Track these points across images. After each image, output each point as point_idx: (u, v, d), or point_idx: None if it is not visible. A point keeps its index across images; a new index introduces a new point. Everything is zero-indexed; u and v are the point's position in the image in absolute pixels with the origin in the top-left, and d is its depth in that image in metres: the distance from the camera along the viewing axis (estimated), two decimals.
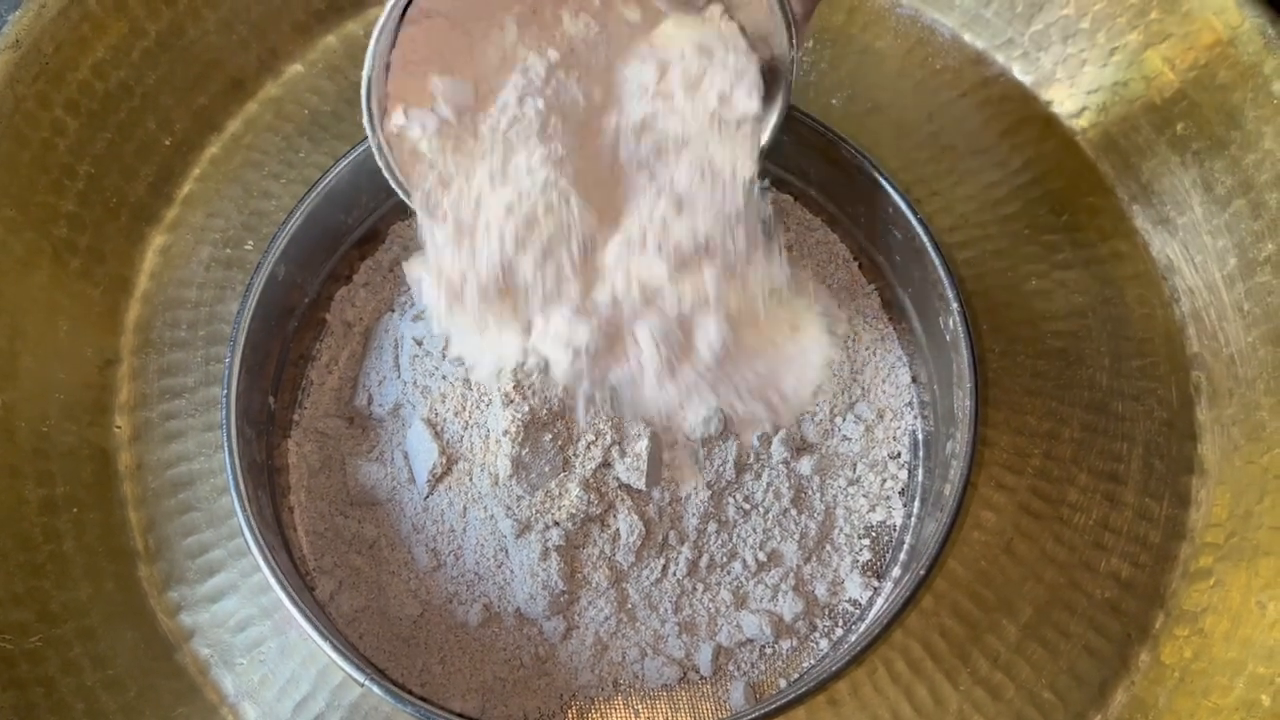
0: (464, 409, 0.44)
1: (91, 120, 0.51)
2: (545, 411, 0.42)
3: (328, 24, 0.56)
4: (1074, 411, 0.48)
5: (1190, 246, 0.50)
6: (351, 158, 0.47)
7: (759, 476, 0.45)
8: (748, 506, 0.45)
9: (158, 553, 0.47)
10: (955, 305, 0.44)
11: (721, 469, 0.44)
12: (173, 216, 0.53)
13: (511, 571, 0.43)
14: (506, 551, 0.43)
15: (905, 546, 0.46)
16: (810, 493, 0.46)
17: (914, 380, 0.49)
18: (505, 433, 0.42)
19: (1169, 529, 0.46)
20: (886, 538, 0.47)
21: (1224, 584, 0.44)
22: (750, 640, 0.45)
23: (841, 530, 0.46)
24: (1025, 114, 0.54)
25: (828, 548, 0.46)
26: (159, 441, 0.49)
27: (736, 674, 0.44)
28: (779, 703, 0.40)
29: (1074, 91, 0.53)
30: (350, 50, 0.56)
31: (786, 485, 0.45)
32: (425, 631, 0.44)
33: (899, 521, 0.47)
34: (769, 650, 0.45)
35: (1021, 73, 0.54)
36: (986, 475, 0.47)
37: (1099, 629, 0.45)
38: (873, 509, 0.47)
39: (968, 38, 0.55)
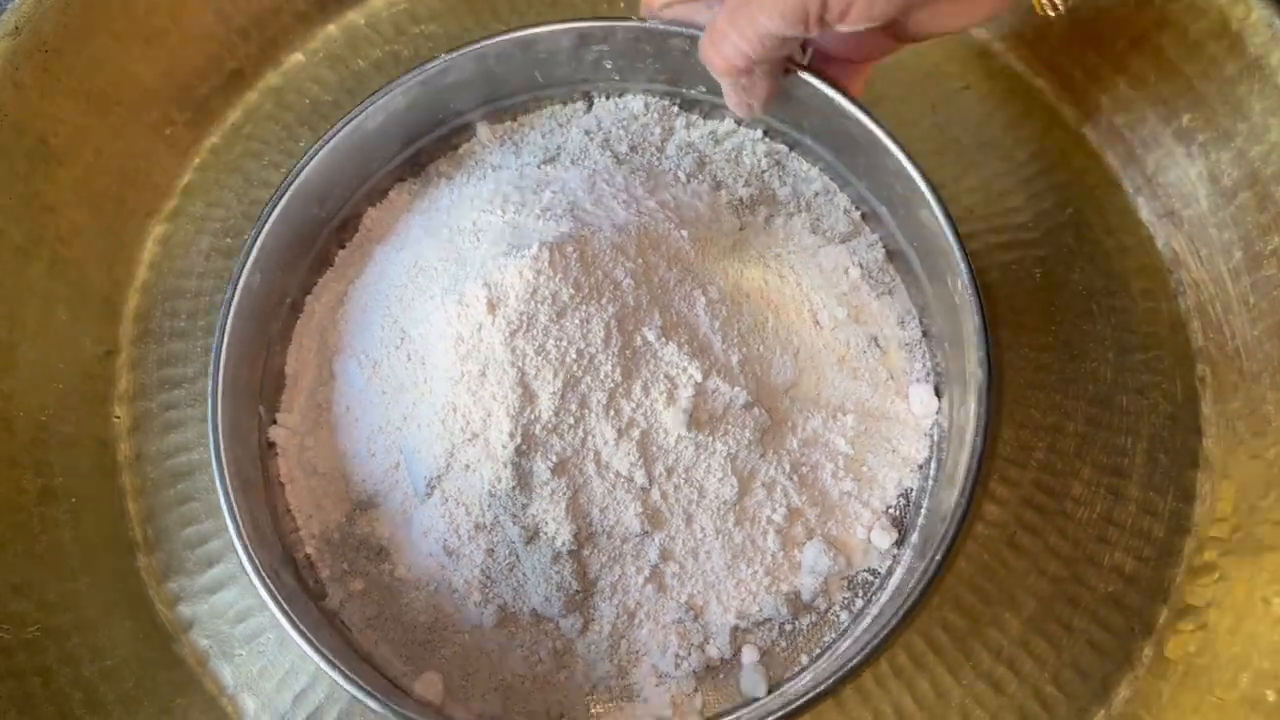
0: (464, 410, 0.43)
1: (91, 108, 0.50)
2: (546, 415, 0.41)
3: (328, 13, 0.56)
4: (1078, 405, 0.48)
5: (1196, 239, 0.49)
6: (324, 148, 0.45)
7: (766, 453, 0.44)
8: (759, 484, 0.44)
9: (156, 543, 0.47)
10: (963, 267, 0.42)
11: (729, 452, 0.44)
12: (172, 206, 0.53)
13: (524, 574, 0.43)
14: (517, 556, 0.43)
15: (923, 511, 0.45)
16: (822, 462, 0.45)
17: (924, 335, 0.48)
18: (503, 445, 0.41)
19: (1173, 523, 0.46)
20: (904, 503, 0.46)
21: (1228, 579, 0.44)
22: (768, 619, 0.44)
23: (856, 498, 0.45)
24: (1030, 106, 0.54)
25: (843, 518, 0.45)
26: (158, 432, 0.49)
27: (756, 654, 0.44)
28: (798, 702, 0.39)
29: (1080, 82, 0.53)
30: (351, 40, 0.56)
31: (796, 460, 0.44)
32: (441, 635, 0.43)
33: (915, 485, 0.46)
34: (789, 627, 0.44)
35: (1026, 64, 0.54)
36: (990, 469, 0.47)
37: (1102, 623, 0.44)
38: (887, 474, 0.46)
39: (974, 30, 0.55)
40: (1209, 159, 0.49)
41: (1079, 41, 0.53)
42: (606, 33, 0.47)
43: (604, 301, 0.41)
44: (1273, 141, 0.47)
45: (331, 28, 0.56)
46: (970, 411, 0.42)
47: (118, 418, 0.49)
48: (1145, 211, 0.51)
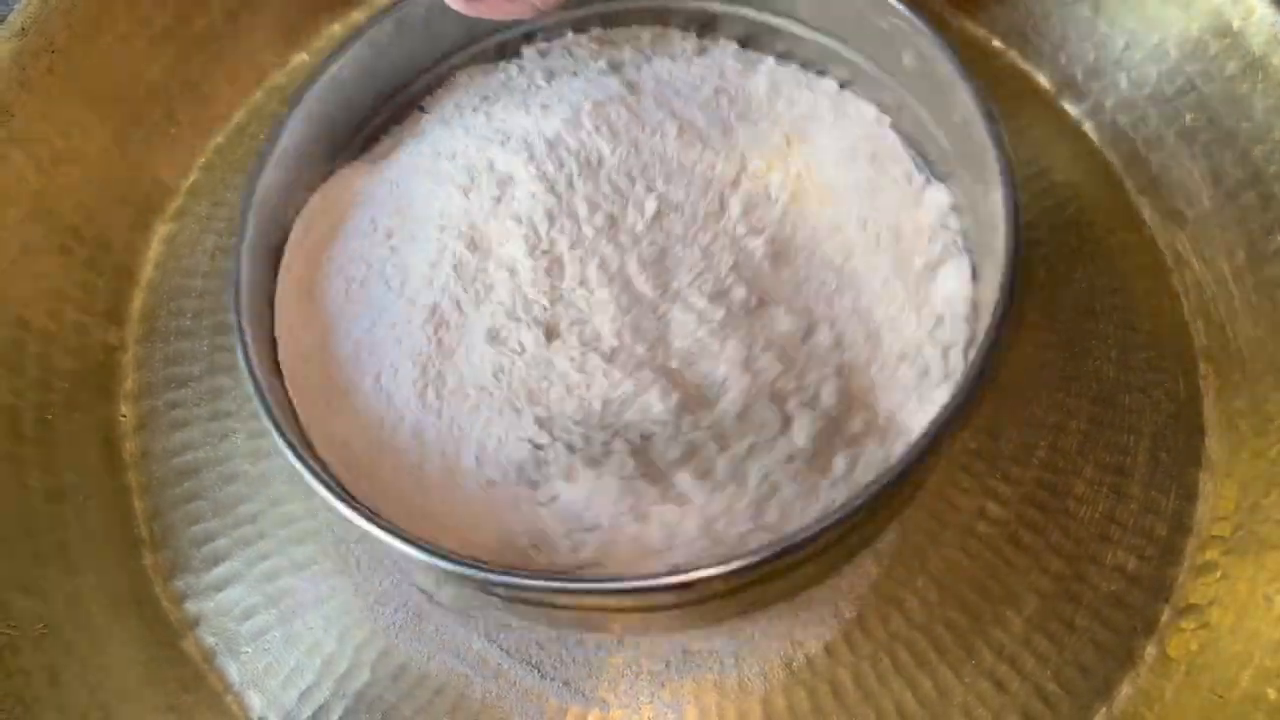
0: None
1: (96, 108, 0.51)
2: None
3: (334, 13, 0.56)
4: (1080, 404, 0.48)
5: (1199, 239, 0.49)
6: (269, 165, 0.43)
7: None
8: (852, 224, 0.44)
9: (163, 541, 0.47)
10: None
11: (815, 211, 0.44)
12: (178, 206, 0.53)
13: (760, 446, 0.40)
14: (722, 439, 0.40)
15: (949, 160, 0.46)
16: (876, 180, 0.46)
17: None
18: (605, 368, 0.39)
19: (1175, 522, 0.46)
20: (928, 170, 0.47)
21: (1230, 577, 0.44)
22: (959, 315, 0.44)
23: (904, 187, 0.46)
24: (1032, 105, 0.54)
25: (915, 199, 0.46)
26: (164, 430, 0.49)
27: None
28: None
29: (1082, 82, 0.53)
30: None
31: (858, 190, 0.45)
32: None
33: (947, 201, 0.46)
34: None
35: (1028, 63, 0.54)
36: (991, 467, 0.47)
37: (1104, 622, 0.44)
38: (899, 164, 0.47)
39: (973, 27, 0.55)
40: (1212, 159, 0.49)
41: (1080, 39, 0.53)
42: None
43: (590, 190, 0.42)
44: (1276, 141, 0.47)
45: (336, 27, 0.56)
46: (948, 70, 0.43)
47: (124, 416, 0.49)
48: (1148, 211, 0.51)
